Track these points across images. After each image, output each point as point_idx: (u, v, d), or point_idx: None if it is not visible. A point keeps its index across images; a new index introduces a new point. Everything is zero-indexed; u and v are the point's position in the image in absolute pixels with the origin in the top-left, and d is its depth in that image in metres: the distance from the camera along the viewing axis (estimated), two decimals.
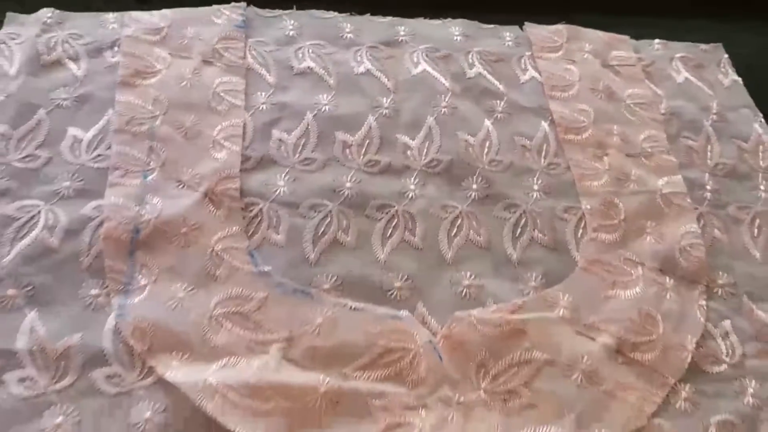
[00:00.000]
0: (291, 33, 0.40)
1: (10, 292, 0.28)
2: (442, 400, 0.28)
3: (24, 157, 0.32)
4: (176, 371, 0.27)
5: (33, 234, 0.29)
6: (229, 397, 0.26)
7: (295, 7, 0.41)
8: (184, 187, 0.32)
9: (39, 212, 0.30)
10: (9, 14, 0.37)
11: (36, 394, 0.26)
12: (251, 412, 0.26)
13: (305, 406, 0.26)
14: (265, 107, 0.36)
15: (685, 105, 0.41)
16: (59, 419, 0.25)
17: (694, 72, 0.43)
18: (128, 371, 0.27)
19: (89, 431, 0.25)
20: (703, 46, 0.45)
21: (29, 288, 0.28)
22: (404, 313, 0.30)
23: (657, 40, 0.45)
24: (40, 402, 0.26)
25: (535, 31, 0.43)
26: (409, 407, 0.27)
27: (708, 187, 0.37)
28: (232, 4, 0.40)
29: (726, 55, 0.45)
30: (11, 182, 0.31)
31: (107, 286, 0.29)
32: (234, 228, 0.31)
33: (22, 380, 0.26)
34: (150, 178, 0.32)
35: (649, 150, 0.38)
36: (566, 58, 0.42)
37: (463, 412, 0.27)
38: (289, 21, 0.40)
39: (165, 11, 0.39)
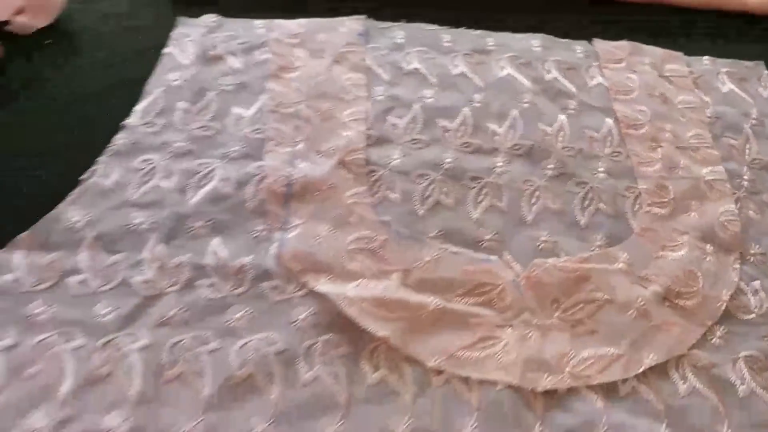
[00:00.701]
0: (400, 41, 0.48)
1: (197, 224, 0.37)
2: (524, 322, 0.35)
3: (200, 127, 0.41)
4: (323, 286, 0.35)
5: (212, 183, 0.38)
6: (363, 306, 0.34)
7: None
8: (322, 156, 0.40)
9: (215, 168, 0.39)
10: (180, 18, 0.47)
11: (220, 297, 0.34)
12: (380, 317, 0.34)
13: (418, 317, 0.34)
14: (381, 98, 0.44)
15: (728, 111, 0.48)
16: (239, 314, 0.34)
17: (737, 84, 0.50)
18: (287, 284, 0.35)
19: (261, 323, 0.34)
20: (746, 63, 0.52)
21: (211, 222, 0.37)
22: (494, 257, 0.38)
23: (706, 57, 0.52)
24: (223, 303, 0.34)
25: (601, 45, 0.51)
26: (498, 325, 0.35)
27: (745, 177, 0.44)
28: (355, 17, 0.49)
29: (766, 71, 0.52)
30: (192, 145, 0.40)
31: (269, 224, 0.37)
32: (361, 188, 0.39)
33: (209, 286, 0.35)
34: (297, 147, 0.41)
35: (696, 145, 0.45)
36: (628, 68, 0.50)
37: (540, 332, 0.35)
38: (398, 32, 0.49)
39: (301, 20, 0.48)
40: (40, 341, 0.32)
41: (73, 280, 0.34)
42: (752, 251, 0.40)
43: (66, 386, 0.30)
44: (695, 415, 0.33)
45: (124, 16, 0.47)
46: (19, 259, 0.34)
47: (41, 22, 0.45)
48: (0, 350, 0.31)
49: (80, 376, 0.31)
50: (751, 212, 0.42)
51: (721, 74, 0.51)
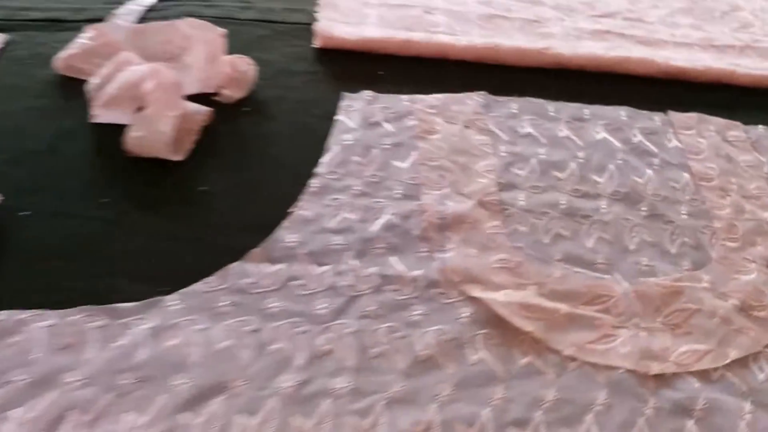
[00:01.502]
0: (515, 111, 0.60)
1: (379, 245, 0.48)
2: (634, 325, 0.45)
3: (371, 175, 0.52)
4: (478, 293, 0.45)
5: (385, 217, 0.49)
6: (512, 308, 0.44)
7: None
8: (464, 197, 0.51)
9: (385, 206, 0.50)
10: (344, 93, 0.59)
11: (403, 298, 0.45)
12: (524, 317, 0.44)
13: (554, 318, 0.45)
14: (505, 155, 0.56)
15: None
16: (418, 312, 0.44)
17: None
18: (450, 291, 0.46)
19: (434, 319, 0.44)
20: None
21: (388, 244, 0.48)
22: (607, 276, 0.48)
23: (760, 126, 0.63)
24: (405, 303, 0.45)
25: (675, 116, 0.62)
26: (615, 326, 0.45)
27: None
28: (477, 92, 0.61)
29: None
30: (367, 188, 0.51)
31: (430, 247, 0.48)
32: (497, 222, 0.50)
33: (394, 290, 0.45)
34: (444, 191, 0.52)
35: (758, 194, 0.56)
36: (698, 134, 0.60)
37: (648, 332, 0.45)
38: (512, 104, 0.61)
39: (437, 95, 0.60)
40: (276, 327, 0.43)
41: (295, 283, 0.45)
42: None
43: (300, 358, 0.41)
44: None
45: (299, 91, 0.59)
46: (252, 268, 0.45)
47: (239, 94, 0.57)
48: (248, 332, 0.42)
49: (309, 352, 0.41)
50: None
51: None
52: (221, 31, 0.56)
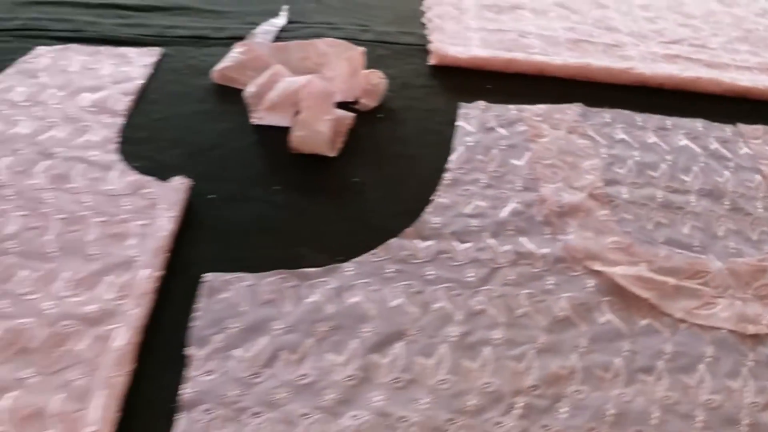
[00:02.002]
0: (608, 120, 0.69)
1: (509, 228, 0.56)
2: (730, 295, 0.54)
3: (493, 171, 0.61)
4: (599, 267, 0.54)
5: (511, 205, 0.58)
6: (629, 280, 0.53)
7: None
8: (576, 190, 0.60)
9: (510, 195, 0.59)
10: (461, 103, 0.68)
11: (536, 271, 0.53)
12: (641, 287, 0.52)
13: (665, 289, 0.53)
14: (605, 156, 0.64)
15: None
16: (550, 282, 0.52)
17: None
18: (575, 266, 0.54)
19: (566, 288, 0.52)
20: None
21: (517, 227, 0.56)
22: (703, 256, 0.56)
23: None
24: (539, 275, 0.53)
25: (744, 127, 0.71)
26: (714, 296, 0.53)
27: None
28: (575, 104, 0.70)
29: None
30: (492, 181, 0.60)
31: (553, 230, 0.57)
32: (606, 211, 0.59)
33: (527, 264, 0.53)
34: (558, 185, 0.60)
35: None
36: (765, 143, 0.69)
37: (741, 301, 0.53)
38: (606, 114, 0.70)
39: (541, 105, 0.69)
40: (435, 290, 0.51)
41: (444, 256, 0.53)
42: None
43: (459, 315, 0.49)
44: None
45: (421, 101, 0.68)
46: (408, 243, 0.54)
47: (373, 103, 0.66)
48: (413, 293, 0.50)
49: (466, 310, 0.50)
50: None
51: None
52: (361, 49, 0.65)
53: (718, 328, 0.50)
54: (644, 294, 0.51)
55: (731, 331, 0.50)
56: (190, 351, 0.45)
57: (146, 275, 0.48)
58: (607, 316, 0.50)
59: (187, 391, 0.43)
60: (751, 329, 0.50)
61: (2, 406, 0.40)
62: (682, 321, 0.50)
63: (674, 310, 0.51)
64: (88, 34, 0.72)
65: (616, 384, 0.46)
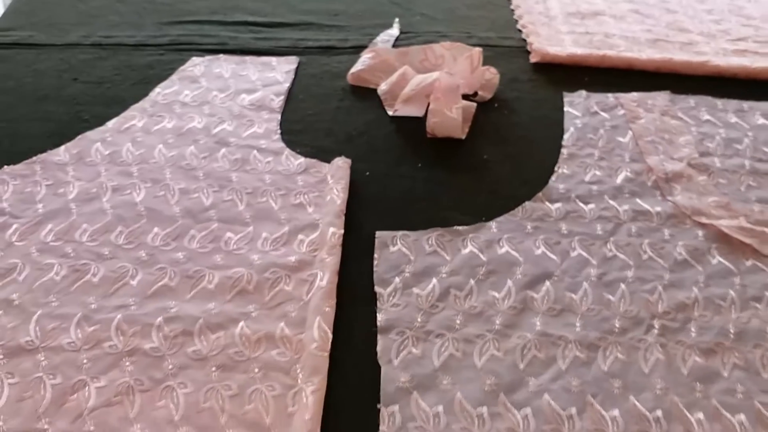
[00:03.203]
0: (693, 105, 0.77)
1: (624, 192, 0.64)
2: None
3: (603, 146, 0.69)
4: (705, 220, 0.62)
5: (624, 173, 0.66)
6: (732, 229, 0.61)
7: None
8: (675, 160, 0.68)
9: (621, 166, 0.67)
10: (565, 93, 0.77)
11: (653, 225, 0.62)
12: (743, 235, 0.60)
13: (764, 236, 0.61)
14: (695, 132, 0.72)
15: None
16: (667, 233, 0.61)
17: None
18: (685, 220, 0.62)
19: (677, 237, 0.60)
20: None
21: (630, 191, 0.65)
22: None
23: None
24: (654, 227, 0.61)
25: None
26: None
27: None
28: (663, 92, 0.78)
29: None
30: (604, 154, 0.68)
31: (662, 193, 0.65)
32: (704, 177, 0.67)
33: (645, 220, 0.62)
34: (660, 156, 0.69)
35: None
36: None
37: None
38: (691, 100, 0.78)
39: (633, 93, 0.77)
40: (570, 241, 0.59)
41: (574, 215, 0.61)
42: None
43: (594, 260, 0.57)
44: None
45: (529, 92, 0.77)
46: (540, 205, 0.62)
47: (489, 95, 0.75)
48: (553, 244, 0.59)
49: (600, 257, 0.58)
50: None
51: None
52: (479, 49, 0.75)
53: None
54: (747, 240, 0.59)
55: None
56: (378, 289, 0.54)
57: (331, 232, 0.57)
58: (717, 259, 0.58)
59: (381, 319, 0.51)
60: None
61: (236, 333, 0.49)
62: None
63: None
64: (230, 47, 0.82)
65: (733, 310, 0.54)
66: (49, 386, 0.45)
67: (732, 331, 0.52)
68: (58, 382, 0.45)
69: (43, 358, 0.47)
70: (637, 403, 0.46)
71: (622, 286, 0.55)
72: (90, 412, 0.44)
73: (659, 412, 0.46)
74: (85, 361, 0.47)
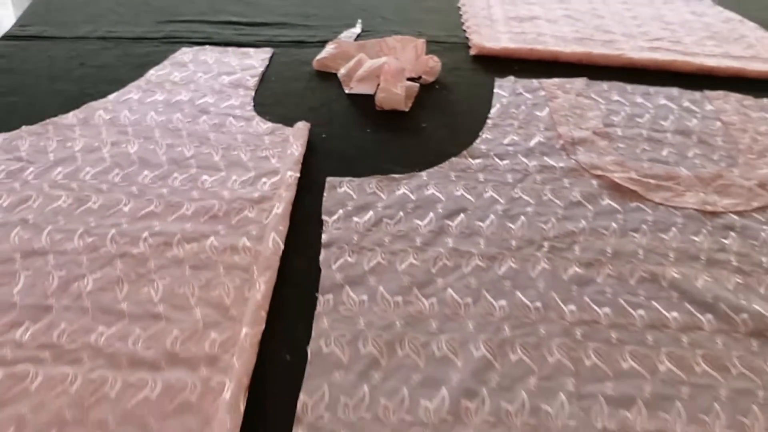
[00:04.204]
0: (606, 89, 0.90)
1: (535, 152, 0.78)
2: (695, 190, 0.73)
3: (523, 119, 0.83)
4: (600, 172, 0.75)
5: (537, 138, 0.79)
6: (622, 179, 0.73)
7: None
8: (584, 129, 0.81)
9: (535, 133, 0.80)
10: (497, 78, 0.90)
11: (556, 176, 0.74)
12: (631, 183, 0.73)
13: (648, 185, 0.73)
14: (604, 110, 0.86)
15: None
16: (567, 182, 0.74)
17: None
18: (584, 173, 0.75)
19: (578, 185, 0.73)
20: None
21: (542, 152, 0.78)
22: (677, 167, 0.77)
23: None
24: (558, 177, 0.74)
25: (709, 93, 0.92)
26: (683, 190, 0.73)
27: None
28: (580, 78, 0.91)
29: None
30: (521, 124, 0.82)
31: (567, 154, 0.78)
32: (606, 142, 0.80)
33: (550, 172, 0.75)
34: (571, 126, 0.82)
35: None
36: (724, 102, 0.90)
37: (704, 193, 0.73)
38: (604, 85, 0.91)
39: (554, 79, 0.90)
40: (485, 185, 0.72)
41: (490, 167, 0.74)
42: None
43: (503, 200, 0.70)
44: None
45: (467, 78, 0.90)
46: (464, 160, 0.74)
47: (432, 79, 0.88)
48: (471, 188, 0.71)
49: (506, 198, 0.70)
50: None
51: None
52: (422, 40, 0.88)
53: (686, 208, 0.70)
54: (634, 188, 0.71)
55: (696, 210, 0.70)
56: (324, 218, 0.66)
57: (289, 174, 0.69)
58: (607, 201, 0.70)
59: (325, 238, 0.64)
60: (709, 208, 0.70)
61: (206, 244, 0.62)
62: (661, 204, 0.70)
63: (655, 198, 0.71)
64: (214, 40, 0.96)
65: (614, 236, 0.66)
66: (56, 277, 0.57)
67: (609, 251, 0.64)
68: (62, 274, 0.57)
69: (51, 259, 0.59)
70: (522, 296, 0.58)
71: (522, 218, 0.67)
72: (87, 294, 0.56)
73: (539, 303, 0.58)
74: (85, 261, 0.59)
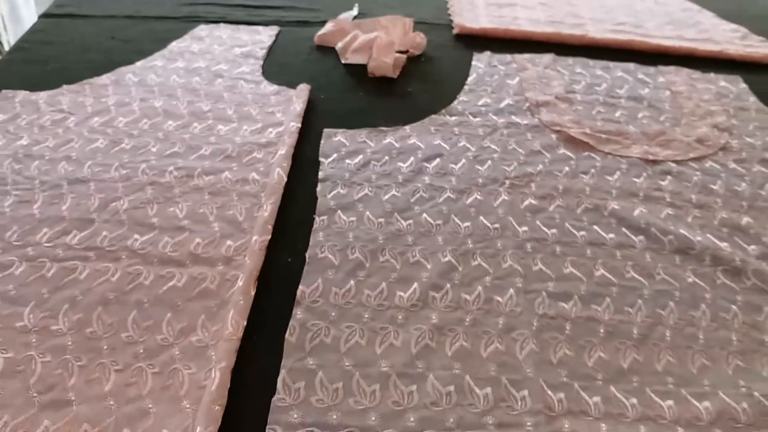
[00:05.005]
0: (570, 63, 1.01)
1: (506, 111, 0.89)
2: (640, 143, 0.85)
3: (496, 86, 0.94)
4: (559, 128, 0.86)
5: (507, 100, 0.91)
6: (577, 133, 0.84)
7: None
8: (548, 95, 0.93)
9: (505, 97, 0.92)
10: (475, 53, 1.01)
11: (521, 130, 0.85)
12: (585, 136, 0.84)
13: (599, 138, 0.84)
14: (567, 80, 0.97)
15: None
16: (529, 135, 0.85)
17: None
18: (545, 129, 0.86)
19: (539, 137, 0.84)
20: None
21: (510, 111, 0.89)
22: (627, 126, 0.88)
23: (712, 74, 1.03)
24: (523, 131, 0.85)
25: (662, 68, 1.03)
26: (629, 144, 0.84)
27: None
28: (549, 54, 1.03)
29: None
30: (494, 90, 0.93)
31: (532, 113, 0.89)
32: (566, 105, 0.91)
33: (516, 128, 0.86)
34: (536, 92, 0.93)
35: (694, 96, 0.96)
36: (675, 76, 1.01)
37: (647, 146, 0.84)
38: (569, 60, 1.02)
39: (525, 54, 1.02)
40: (459, 137, 0.83)
41: (465, 123, 0.85)
42: None
43: (473, 148, 0.81)
44: None
45: (449, 53, 1.01)
46: (442, 117, 0.85)
47: (418, 52, 0.99)
48: (453, 138, 0.83)
49: (476, 146, 0.82)
50: None
51: None
52: (411, 18, 0.99)
53: (631, 157, 0.81)
54: (586, 140, 0.82)
55: (639, 158, 0.81)
56: (321, 159, 0.77)
57: (292, 125, 0.80)
58: (563, 151, 0.81)
59: (321, 175, 0.74)
60: (651, 157, 0.81)
61: (222, 177, 0.73)
62: (610, 154, 0.81)
63: (604, 149, 0.82)
64: (228, 19, 1.07)
65: (566, 177, 0.77)
66: (97, 198, 0.68)
67: (561, 188, 0.74)
68: (102, 196, 0.68)
69: (92, 185, 0.69)
70: (484, 220, 0.69)
71: (489, 162, 0.78)
72: (123, 211, 0.67)
73: (497, 225, 0.68)
74: (120, 187, 0.70)
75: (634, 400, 0.52)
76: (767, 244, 0.67)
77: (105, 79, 0.87)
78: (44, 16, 1.05)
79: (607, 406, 0.51)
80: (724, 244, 0.66)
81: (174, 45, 0.97)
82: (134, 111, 0.81)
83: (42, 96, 0.83)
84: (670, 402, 0.52)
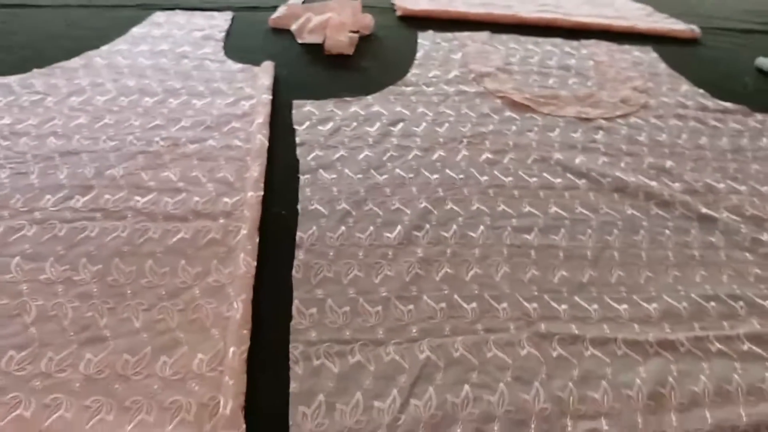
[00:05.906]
0: (504, 38, 1.12)
1: (454, 81, 0.98)
2: (573, 105, 0.96)
3: (442, 60, 1.03)
4: (503, 94, 0.96)
5: (454, 72, 1.00)
6: (518, 97, 0.94)
7: None
8: (489, 67, 1.02)
9: (452, 69, 1.01)
10: (419, 32, 1.10)
11: (470, 96, 0.95)
12: (525, 100, 0.94)
13: (537, 101, 0.95)
14: (504, 55, 1.07)
15: None
16: (478, 100, 0.94)
17: None
18: (490, 96, 0.96)
19: (486, 103, 0.94)
20: None
21: (459, 81, 0.98)
22: (560, 90, 0.99)
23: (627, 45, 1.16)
24: (473, 96, 0.95)
25: (584, 41, 1.15)
26: (564, 104, 0.95)
27: None
28: (485, 32, 1.13)
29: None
30: (441, 64, 1.02)
31: (478, 82, 0.98)
32: (506, 75, 1.01)
33: (466, 95, 0.95)
34: (478, 64, 1.02)
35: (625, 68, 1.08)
36: (595, 47, 1.13)
37: (580, 106, 0.95)
38: (503, 36, 1.13)
39: (465, 32, 1.11)
40: (416, 105, 0.91)
41: (419, 92, 0.94)
42: None
43: (419, 109, 0.90)
44: None
45: (395, 33, 1.09)
46: (399, 87, 0.93)
47: (367, 32, 1.06)
48: (407, 105, 0.91)
49: (433, 112, 0.90)
50: None
51: None
52: (358, 2, 1.07)
53: (567, 116, 0.91)
54: (527, 103, 0.92)
55: (574, 117, 0.91)
56: (295, 126, 0.83)
57: (263, 97, 0.86)
58: (508, 113, 0.90)
59: (298, 139, 0.81)
60: (584, 116, 0.91)
61: (206, 144, 0.78)
62: (548, 114, 0.91)
63: (543, 110, 0.92)
64: (183, 6, 1.11)
65: (514, 135, 0.86)
66: (92, 167, 0.70)
67: (511, 144, 0.83)
68: (97, 165, 0.71)
69: (85, 156, 0.73)
70: (450, 172, 0.77)
71: (447, 124, 0.86)
72: (120, 178, 0.71)
73: (462, 176, 0.76)
74: (112, 157, 0.73)
75: (596, 306, 0.61)
76: (688, 181, 0.78)
77: (74, 63, 0.90)
78: None
79: (574, 311, 0.60)
80: (653, 183, 0.77)
81: (135, 30, 1.01)
82: (110, 90, 0.85)
83: (13, 79, 0.85)
84: (625, 306, 0.61)
